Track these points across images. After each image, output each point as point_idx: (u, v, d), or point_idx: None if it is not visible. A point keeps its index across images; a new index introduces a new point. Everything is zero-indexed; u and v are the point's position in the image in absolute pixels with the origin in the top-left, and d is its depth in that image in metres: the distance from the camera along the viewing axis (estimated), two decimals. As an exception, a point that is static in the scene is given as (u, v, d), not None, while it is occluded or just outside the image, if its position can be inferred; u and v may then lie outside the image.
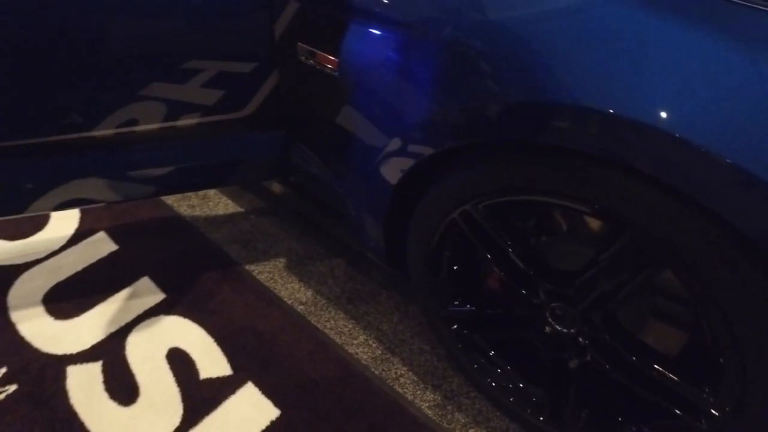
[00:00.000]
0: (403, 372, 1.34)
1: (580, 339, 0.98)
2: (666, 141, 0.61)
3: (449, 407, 1.26)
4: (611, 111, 0.64)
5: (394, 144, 0.95)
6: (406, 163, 0.94)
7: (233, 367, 1.34)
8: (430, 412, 1.25)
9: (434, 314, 1.22)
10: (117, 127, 1.22)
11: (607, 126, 0.66)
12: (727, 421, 0.80)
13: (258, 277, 1.58)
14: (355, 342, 1.40)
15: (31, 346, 1.41)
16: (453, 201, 0.97)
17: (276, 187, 1.76)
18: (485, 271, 1.16)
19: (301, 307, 1.49)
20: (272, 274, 1.59)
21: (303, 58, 1.05)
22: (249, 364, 1.35)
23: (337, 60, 0.97)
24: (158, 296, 1.52)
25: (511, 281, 1.02)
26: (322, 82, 1.04)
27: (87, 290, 1.55)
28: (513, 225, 0.99)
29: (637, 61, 0.64)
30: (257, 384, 1.31)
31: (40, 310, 1.50)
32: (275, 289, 1.55)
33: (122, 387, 1.31)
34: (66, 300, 1.53)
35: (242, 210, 1.82)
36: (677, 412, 0.89)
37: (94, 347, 1.40)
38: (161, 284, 1.56)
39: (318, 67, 1.02)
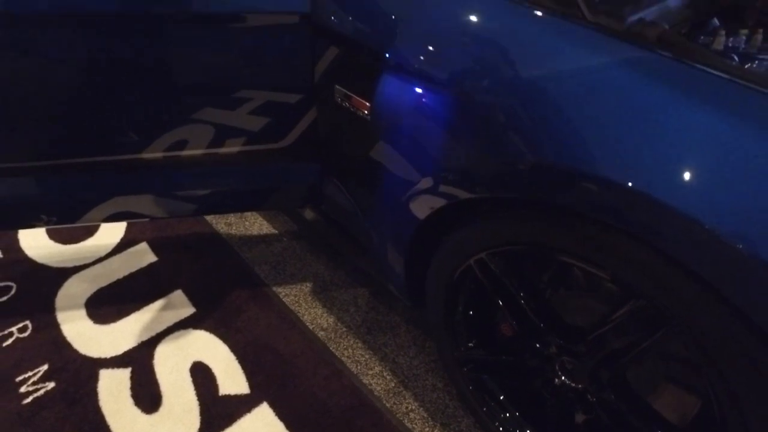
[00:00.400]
0: (414, 407, 1.35)
1: (588, 395, 0.98)
2: (678, 220, 0.63)
3: (456, 448, 1.26)
4: (630, 185, 0.66)
5: (422, 185, 0.99)
6: (435, 203, 0.97)
7: (251, 385, 1.40)
8: (436, 451, 1.26)
9: (448, 354, 1.24)
10: (167, 150, 1.32)
11: (625, 199, 0.68)
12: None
13: (284, 299, 1.64)
14: (370, 372, 1.43)
15: (71, 347, 1.51)
16: (471, 248, 1.00)
17: (309, 213, 1.82)
18: (500, 318, 1.18)
19: (321, 332, 1.54)
20: (297, 298, 1.64)
21: (339, 99, 1.12)
22: (266, 384, 1.40)
23: (370, 105, 1.03)
24: (189, 310, 1.61)
25: (523, 331, 1.04)
26: (356, 123, 1.10)
27: (126, 298, 1.65)
28: (527, 277, 1.01)
29: (663, 140, 0.66)
30: (272, 405, 1.35)
31: (83, 313, 1.61)
32: (299, 312, 1.60)
33: (147, 395, 1.38)
34: (106, 305, 1.63)
35: (276, 231, 1.90)
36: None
37: (125, 353, 1.48)
38: (193, 298, 1.64)
39: (352, 109, 1.09)
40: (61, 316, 1.60)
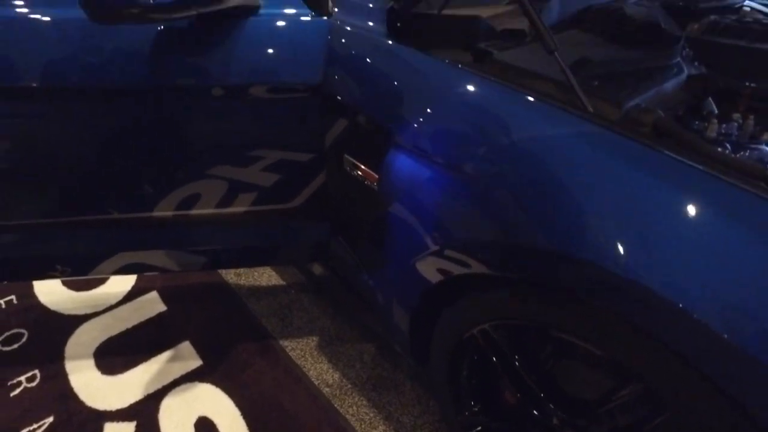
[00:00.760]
0: (417, 471, 1.34)
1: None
2: (669, 309, 0.65)
3: None
4: (632, 278, 0.68)
5: (427, 255, 1.02)
6: (438, 273, 1.00)
7: (255, 443, 1.39)
8: None
9: (451, 416, 1.24)
10: (179, 208, 1.37)
11: (625, 291, 0.69)
12: None
13: (290, 353, 1.65)
14: (374, 431, 1.43)
15: (77, 398, 1.52)
16: (473, 318, 1.01)
17: (316, 267, 1.85)
18: (503, 385, 1.18)
19: (327, 389, 1.54)
20: (304, 352, 1.65)
21: (348, 168, 1.16)
22: (270, 442, 1.39)
23: (378, 177, 1.07)
24: (196, 362, 1.62)
25: (526, 402, 1.04)
26: (364, 191, 1.14)
27: (134, 348, 1.67)
28: (531, 349, 1.02)
29: (654, 231, 0.68)
30: (275, 465, 1.34)
31: (91, 363, 1.63)
32: (305, 367, 1.60)
33: (151, 451, 1.38)
34: (115, 355, 1.65)
35: (283, 283, 1.92)
36: None
37: (131, 406, 1.49)
38: (200, 350, 1.66)
39: (361, 178, 1.13)
40: (70, 366, 1.62)
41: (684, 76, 1.02)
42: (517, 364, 1.00)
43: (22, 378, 1.57)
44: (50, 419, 1.46)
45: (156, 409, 1.48)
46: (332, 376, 1.58)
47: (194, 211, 1.37)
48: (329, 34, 1.14)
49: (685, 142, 0.80)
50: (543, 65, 0.92)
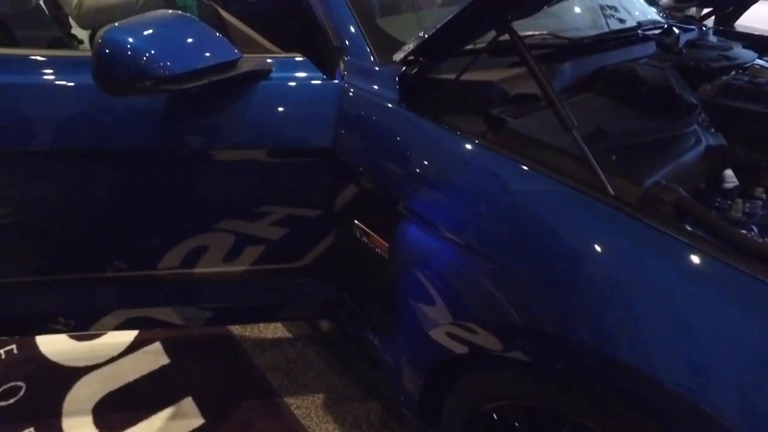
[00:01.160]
0: None
1: None
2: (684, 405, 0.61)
3: None
4: (633, 365, 0.65)
5: (437, 328, 0.98)
6: (448, 349, 0.96)
7: None
8: None
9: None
10: (185, 266, 1.34)
11: (624, 376, 0.66)
12: None
13: (295, 411, 1.59)
14: (381, 502, 1.36)
15: (74, 459, 1.47)
16: (488, 394, 0.97)
17: (324, 322, 1.82)
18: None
19: (332, 452, 1.48)
20: (309, 410, 1.60)
21: (358, 233, 1.14)
22: None
23: (388, 246, 1.04)
24: (198, 420, 1.57)
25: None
26: (373, 258, 1.11)
27: (134, 404, 1.62)
28: (546, 427, 0.97)
29: (671, 327, 0.65)
30: None
31: (89, 420, 1.58)
32: (310, 427, 1.55)
33: None
34: (114, 411, 1.60)
35: (290, 336, 1.88)
36: None
37: (129, 470, 1.44)
38: (203, 407, 1.61)
39: (371, 245, 1.10)
40: (67, 423, 1.57)
41: (702, 147, 0.99)
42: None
43: (18, 436, 1.53)
44: (45, 484, 1.41)
45: (155, 473, 1.43)
46: (338, 438, 1.52)
47: (200, 269, 1.35)
48: (340, 99, 1.13)
49: (709, 224, 0.77)
50: (559, 136, 0.90)
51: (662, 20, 1.83)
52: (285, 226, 1.28)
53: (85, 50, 2.01)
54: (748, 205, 0.87)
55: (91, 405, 1.63)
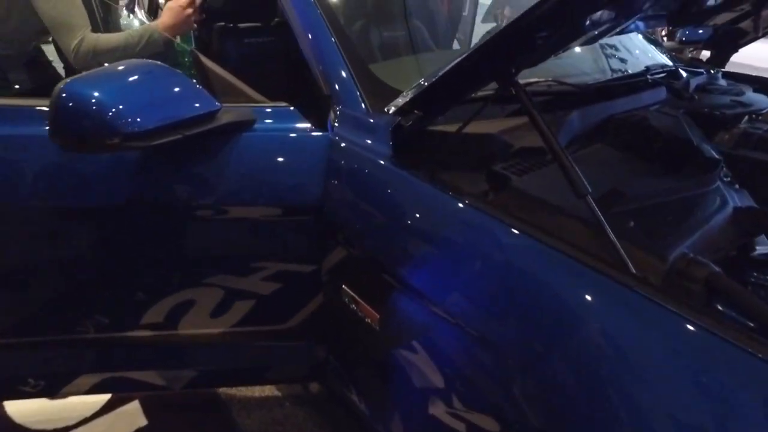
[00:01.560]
0: None
1: None
2: None
3: None
4: None
5: (432, 406, 0.87)
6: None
7: None
8: None
9: None
10: (167, 328, 1.24)
11: None
12: None
13: (280, 483, 1.45)
14: None
15: None
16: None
17: (313, 383, 1.69)
18: None
19: None
20: (296, 483, 1.46)
21: (346, 299, 1.03)
22: None
23: (379, 318, 0.93)
24: (174, 494, 1.42)
25: None
26: (363, 328, 1.00)
27: (105, 475, 1.48)
28: None
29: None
30: None
31: (55, 493, 1.44)
32: (296, 502, 1.41)
33: None
34: (82, 483, 1.46)
35: (278, 394, 1.74)
36: None
37: None
38: (180, 479, 1.47)
39: (360, 314, 0.99)
40: (31, 497, 1.43)
41: (729, 209, 0.90)
42: None
43: None
44: None
45: None
46: None
47: (181, 330, 1.24)
48: (329, 152, 1.04)
49: (746, 305, 0.67)
50: (570, 197, 0.81)
51: (669, 62, 1.77)
52: (270, 286, 1.18)
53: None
54: (789, 280, 0.76)
55: (58, 475, 1.49)
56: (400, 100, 0.99)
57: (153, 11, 2.68)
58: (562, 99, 1.21)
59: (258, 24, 2.14)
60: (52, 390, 1.32)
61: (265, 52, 1.92)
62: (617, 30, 1.09)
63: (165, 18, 1.58)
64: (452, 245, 0.81)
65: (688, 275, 0.71)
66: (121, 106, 0.84)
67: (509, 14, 2.35)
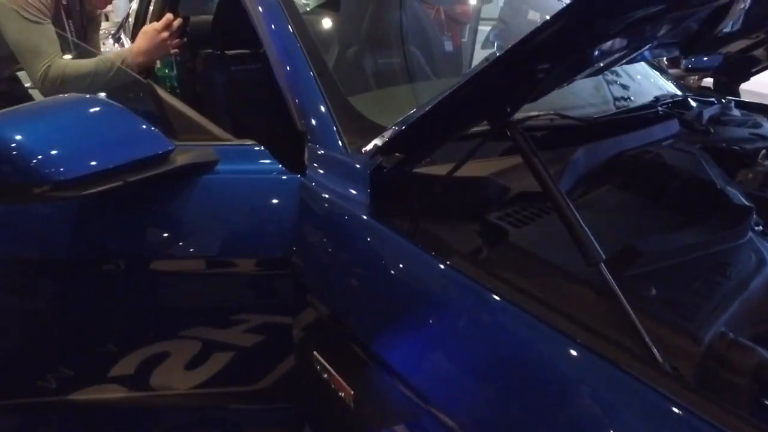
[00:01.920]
0: None
1: None
2: None
3: None
4: None
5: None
6: None
7: None
8: None
9: None
10: (124, 390, 1.10)
11: None
12: None
13: None
14: None
15: None
16: None
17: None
18: None
19: None
20: None
21: (318, 368, 0.88)
22: None
23: (353, 394, 0.79)
24: None
25: None
26: (336, 402, 0.85)
27: None
28: None
29: None
30: None
31: None
32: None
33: None
34: None
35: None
36: None
37: None
38: None
39: (332, 387, 0.85)
40: None
41: (768, 268, 0.76)
42: None
43: None
44: None
45: None
46: None
47: (139, 393, 1.10)
48: (301, 197, 0.91)
49: None
50: (577, 254, 0.67)
51: (677, 91, 1.65)
52: (234, 346, 1.04)
53: None
54: None
55: None
56: (379, 141, 0.87)
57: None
58: (564, 134, 1.09)
59: (248, 51, 2.04)
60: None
61: (253, 81, 1.82)
62: (625, 60, 0.97)
63: (139, 42, 1.48)
64: (435, 318, 0.66)
65: (731, 365, 0.57)
66: (49, 151, 0.72)
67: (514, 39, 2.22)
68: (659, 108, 1.31)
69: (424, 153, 0.84)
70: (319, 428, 1.04)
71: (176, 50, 1.60)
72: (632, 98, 1.48)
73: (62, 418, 1.17)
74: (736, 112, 1.56)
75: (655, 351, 0.55)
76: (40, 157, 0.71)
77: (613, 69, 1.49)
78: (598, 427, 0.51)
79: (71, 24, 1.75)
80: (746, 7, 0.92)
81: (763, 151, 1.22)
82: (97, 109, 0.79)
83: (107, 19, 4.24)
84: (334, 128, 0.97)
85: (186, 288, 0.98)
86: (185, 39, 1.61)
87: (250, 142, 0.98)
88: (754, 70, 1.70)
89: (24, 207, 0.92)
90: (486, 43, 2.59)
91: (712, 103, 1.58)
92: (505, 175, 0.91)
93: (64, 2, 1.64)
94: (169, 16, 1.47)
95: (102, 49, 1.93)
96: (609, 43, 0.64)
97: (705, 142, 1.20)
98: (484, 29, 2.56)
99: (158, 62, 1.61)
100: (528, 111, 1.03)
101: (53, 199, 0.76)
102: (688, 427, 0.47)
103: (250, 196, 0.93)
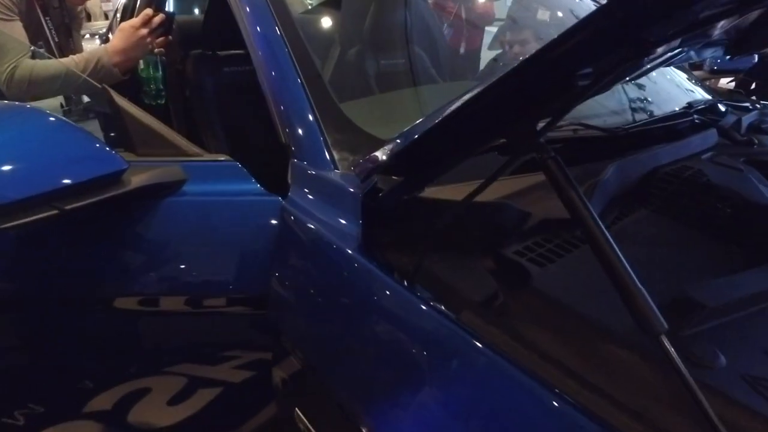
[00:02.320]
0: None
1: None
2: None
3: None
4: None
5: None
6: None
7: None
8: None
9: None
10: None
11: None
12: None
13: None
14: None
15: None
16: None
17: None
18: None
19: None
20: None
21: (301, 427, 0.74)
22: None
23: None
24: None
25: None
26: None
27: None
28: None
29: None
30: None
31: None
32: None
33: None
34: None
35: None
36: None
37: None
38: None
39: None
40: None
41: None
42: None
43: None
44: None
45: None
46: None
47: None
48: (281, 223, 0.77)
49: None
50: (614, 299, 0.53)
51: (706, 95, 1.50)
52: (213, 391, 0.90)
53: None
54: None
55: None
56: (376, 156, 0.72)
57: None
58: (590, 147, 0.94)
59: (241, 52, 1.90)
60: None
61: (244, 86, 1.68)
62: (668, 63, 0.82)
63: (115, 40, 1.34)
64: (436, 389, 0.52)
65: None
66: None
67: (524, 38, 2.01)
68: (695, 116, 1.16)
69: (431, 174, 0.69)
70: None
71: (160, 49, 1.47)
72: (660, 104, 1.33)
73: None
74: (774, 118, 1.41)
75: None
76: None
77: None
78: None
79: (49, 21, 1.62)
80: None
81: None
82: (29, 120, 0.65)
83: (90, 19, 4.11)
84: (322, 139, 0.83)
85: (153, 325, 0.85)
86: (170, 37, 1.48)
87: (223, 158, 0.84)
88: None
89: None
90: (494, 44, 2.45)
91: (747, 109, 1.43)
92: (523, 198, 0.77)
93: None
94: (148, 11, 1.33)
95: (84, 49, 1.79)
96: (673, 40, 0.50)
97: (749, 155, 1.05)
98: (491, 30, 2.42)
99: (141, 62, 1.48)
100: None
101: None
102: None
103: (219, 220, 0.78)
